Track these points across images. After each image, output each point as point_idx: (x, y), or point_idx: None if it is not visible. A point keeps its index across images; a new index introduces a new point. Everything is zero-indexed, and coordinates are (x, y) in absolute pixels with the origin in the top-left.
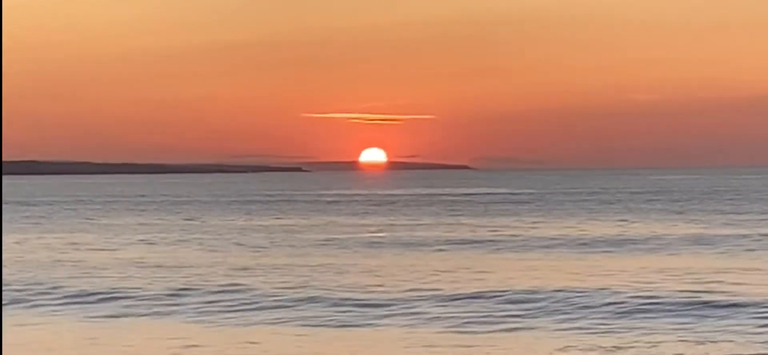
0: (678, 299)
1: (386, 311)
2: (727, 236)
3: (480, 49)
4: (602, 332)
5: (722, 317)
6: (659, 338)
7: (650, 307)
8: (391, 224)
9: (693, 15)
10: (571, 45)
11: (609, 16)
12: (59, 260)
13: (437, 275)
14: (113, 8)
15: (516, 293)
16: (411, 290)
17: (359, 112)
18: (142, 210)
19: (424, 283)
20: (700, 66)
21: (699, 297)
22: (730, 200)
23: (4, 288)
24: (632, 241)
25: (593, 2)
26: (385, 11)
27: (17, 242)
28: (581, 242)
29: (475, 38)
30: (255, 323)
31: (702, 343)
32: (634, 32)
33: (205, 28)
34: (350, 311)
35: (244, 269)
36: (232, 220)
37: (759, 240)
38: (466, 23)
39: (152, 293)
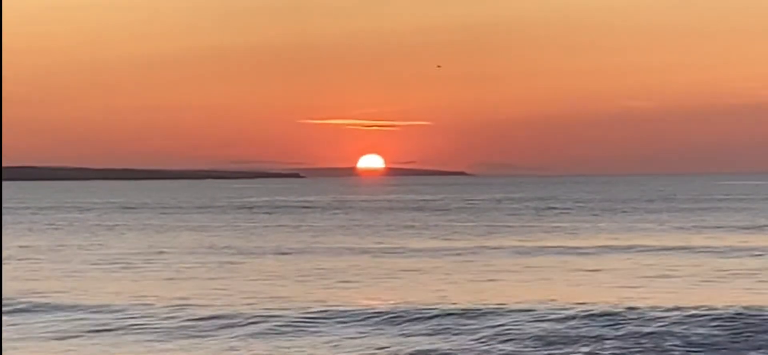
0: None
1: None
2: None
3: (477, 56)
4: None
5: None
6: None
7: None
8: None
9: (689, 21)
10: (567, 51)
11: (606, 23)
12: None
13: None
14: (110, 14)
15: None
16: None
17: (357, 119)
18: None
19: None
20: (697, 72)
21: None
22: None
23: None
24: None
25: (589, 9)
26: (383, 18)
27: None
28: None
29: (472, 44)
30: None
31: None
32: (630, 39)
33: (202, 34)
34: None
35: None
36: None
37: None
38: (463, 29)
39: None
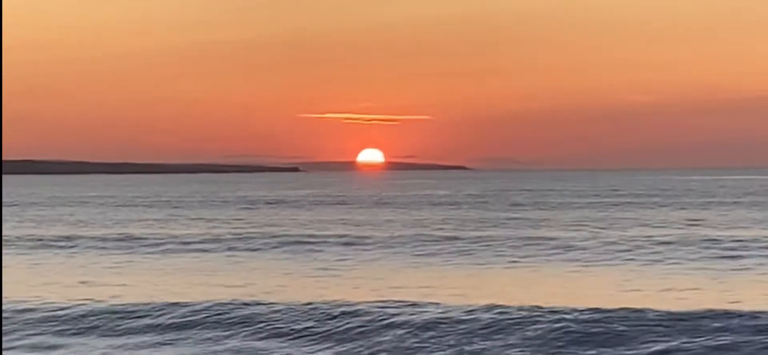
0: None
1: None
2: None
3: (476, 51)
4: None
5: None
6: None
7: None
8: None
9: (689, 17)
10: (567, 46)
11: (606, 18)
12: None
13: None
14: (109, 9)
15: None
16: None
17: (356, 113)
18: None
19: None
20: (697, 67)
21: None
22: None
23: None
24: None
25: (590, 4)
26: (382, 12)
27: None
28: None
29: (472, 39)
30: None
31: None
32: (630, 34)
33: (202, 28)
34: None
35: None
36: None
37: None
38: (463, 24)
39: None
